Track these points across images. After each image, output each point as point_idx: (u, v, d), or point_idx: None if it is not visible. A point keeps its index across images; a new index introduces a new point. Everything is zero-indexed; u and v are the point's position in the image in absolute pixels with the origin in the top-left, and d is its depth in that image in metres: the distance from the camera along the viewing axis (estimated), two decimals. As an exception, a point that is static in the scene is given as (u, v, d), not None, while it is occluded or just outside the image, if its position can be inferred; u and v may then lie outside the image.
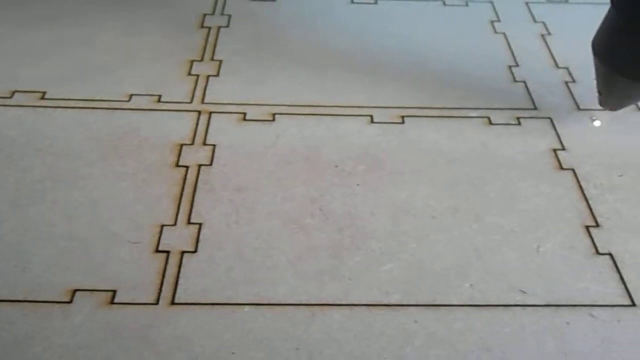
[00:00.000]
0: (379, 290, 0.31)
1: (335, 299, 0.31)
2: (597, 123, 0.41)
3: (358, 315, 0.30)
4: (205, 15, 0.50)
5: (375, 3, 0.52)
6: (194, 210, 0.35)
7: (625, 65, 0.34)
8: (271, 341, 0.29)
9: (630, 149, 0.39)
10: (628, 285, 0.32)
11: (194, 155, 0.38)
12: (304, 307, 0.30)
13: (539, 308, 0.31)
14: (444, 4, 0.53)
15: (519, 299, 0.31)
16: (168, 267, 0.31)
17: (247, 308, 0.30)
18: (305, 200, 0.36)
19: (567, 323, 0.30)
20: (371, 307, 0.31)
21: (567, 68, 0.46)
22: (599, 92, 0.39)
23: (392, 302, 0.31)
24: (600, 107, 0.40)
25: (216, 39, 0.47)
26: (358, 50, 0.47)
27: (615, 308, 0.31)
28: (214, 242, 0.33)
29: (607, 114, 0.41)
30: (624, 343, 0.29)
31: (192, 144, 0.39)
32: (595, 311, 0.31)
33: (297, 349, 0.29)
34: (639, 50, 0.33)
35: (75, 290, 0.30)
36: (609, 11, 0.34)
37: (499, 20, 0.51)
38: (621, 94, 0.37)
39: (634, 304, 0.31)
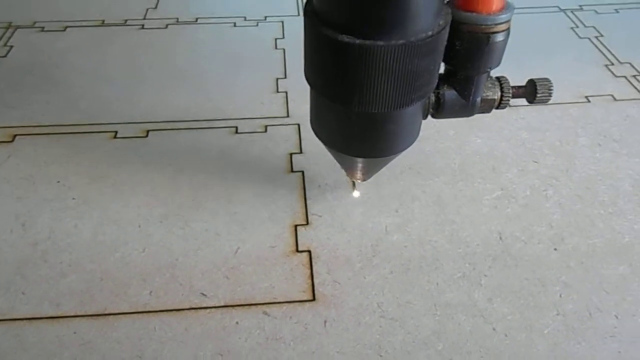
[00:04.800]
0: (51, 302, 0.30)
1: (-1, 315, 0.29)
2: (355, 194, 0.36)
3: (15, 330, 0.28)
4: (-14, 47, 0.50)
5: (165, 28, 0.53)
6: None
7: (331, 139, 0.30)
8: None
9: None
10: (315, 280, 0.31)
11: None
12: (-40, 325, 0.29)
13: (213, 310, 0.30)
14: (234, 25, 0.54)
15: (196, 302, 0.30)
16: None
17: None
18: (10, 217, 0.34)
19: (237, 323, 0.29)
20: (34, 321, 0.29)
21: (333, 77, 0.46)
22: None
23: (59, 313, 0.29)
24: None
25: (-12, 68, 0.47)
26: (128, 71, 0.47)
27: (293, 304, 0.30)
28: None
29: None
30: (287, 338, 0.28)
31: None
32: (271, 309, 0.30)
33: None
34: (331, 121, 0.29)
35: None
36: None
37: (283, 37, 0.52)
38: (357, 167, 0.32)
39: (314, 299, 0.30)
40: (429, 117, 0.31)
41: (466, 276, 0.31)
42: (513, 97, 0.31)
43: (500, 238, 0.33)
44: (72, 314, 0.29)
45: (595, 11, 0.56)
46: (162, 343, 0.28)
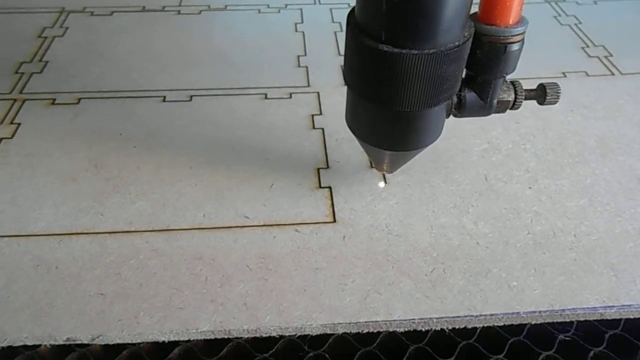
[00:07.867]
0: (125, 221, 0.37)
1: (84, 229, 0.37)
2: (381, 185, 0.41)
3: (99, 240, 0.36)
4: (45, 28, 0.57)
5: (199, 14, 0.61)
6: (-16, 171, 0.41)
7: (364, 134, 0.34)
8: (16, 262, 0.34)
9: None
10: (336, 208, 0.39)
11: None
12: (55, 236, 0.36)
13: (255, 228, 0.37)
14: (259, 11, 0.61)
15: (241, 222, 0.38)
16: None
17: (6, 238, 0.36)
18: (84, 160, 0.42)
19: (274, 237, 0.37)
20: (113, 234, 0.37)
21: (347, 55, 0.54)
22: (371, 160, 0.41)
23: (132, 229, 0.37)
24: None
25: (49, 46, 0.55)
26: (170, 49, 0.55)
27: (318, 224, 0.37)
28: (-7, 194, 0.39)
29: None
30: (314, 248, 0.36)
31: (1, 123, 0.45)
32: (301, 227, 0.37)
33: (38, 265, 0.34)
34: (365, 118, 0.33)
35: None
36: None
37: (302, 22, 0.59)
38: (385, 159, 0.36)
39: (334, 221, 0.38)
40: (451, 116, 0.35)
41: (457, 206, 0.39)
42: (525, 99, 0.35)
43: (486, 179, 0.41)
44: (143, 229, 0.37)
45: (577, 2, 0.64)
46: (216, 249, 0.36)
